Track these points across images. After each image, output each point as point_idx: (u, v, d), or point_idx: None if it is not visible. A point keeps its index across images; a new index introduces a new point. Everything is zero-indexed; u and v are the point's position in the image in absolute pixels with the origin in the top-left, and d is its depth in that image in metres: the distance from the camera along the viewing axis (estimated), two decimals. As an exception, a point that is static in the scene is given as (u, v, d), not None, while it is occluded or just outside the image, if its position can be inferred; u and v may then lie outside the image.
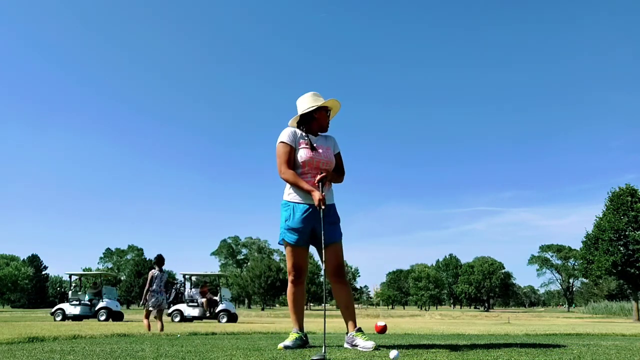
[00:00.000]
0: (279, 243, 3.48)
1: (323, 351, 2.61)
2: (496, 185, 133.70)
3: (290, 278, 3.46)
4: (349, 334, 3.32)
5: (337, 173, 3.55)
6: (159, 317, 7.62)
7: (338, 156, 3.59)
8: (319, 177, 3.31)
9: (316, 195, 3.21)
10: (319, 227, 3.26)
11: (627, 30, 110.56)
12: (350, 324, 3.34)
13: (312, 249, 3.53)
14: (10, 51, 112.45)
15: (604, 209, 35.84)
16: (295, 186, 3.34)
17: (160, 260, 7.57)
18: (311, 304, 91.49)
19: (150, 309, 7.50)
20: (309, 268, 3.71)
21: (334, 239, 3.34)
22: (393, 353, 2.55)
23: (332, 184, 3.54)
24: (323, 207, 3.18)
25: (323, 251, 3.28)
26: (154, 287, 7.42)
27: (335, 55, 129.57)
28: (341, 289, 3.36)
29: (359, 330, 3.28)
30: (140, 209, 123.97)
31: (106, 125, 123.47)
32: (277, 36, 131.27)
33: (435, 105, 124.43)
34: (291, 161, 3.37)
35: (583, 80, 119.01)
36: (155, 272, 7.55)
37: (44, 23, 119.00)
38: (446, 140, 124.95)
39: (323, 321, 2.96)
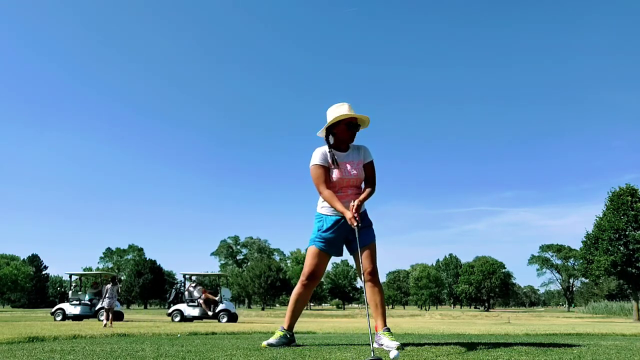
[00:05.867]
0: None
1: (372, 353, 2.58)
2: (497, 185, 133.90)
3: (302, 279, 3.59)
4: (377, 333, 3.38)
5: (367, 184, 3.58)
6: (112, 313, 11.87)
7: (367, 166, 3.59)
8: (354, 208, 3.33)
9: (347, 215, 3.33)
10: (352, 235, 3.45)
11: (628, 29, 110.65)
12: (378, 323, 3.40)
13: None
14: (12, 51, 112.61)
15: (604, 209, 35.88)
16: (331, 206, 3.48)
17: (114, 279, 12.61)
18: (311, 304, 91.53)
19: (107, 307, 11.85)
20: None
21: (367, 241, 3.49)
22: (393, 353, 2.54)
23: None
24: (357, 224, 3.27)
25: (359, 254, 3.41)
26: (108, 295, 12.01)
27: (335, 53, 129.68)
28: (372, 288, 3.45)
29: (387, 330, 3.34)
30: (140, 209, 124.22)
31: (106, 125, 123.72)
32: (282, 37, 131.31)
33: (436, 105, 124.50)
34: (328, 181, 3.54)
35: (584, 79, 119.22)
36: (109, 286, 12.30)
37: (43, 22, 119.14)
38: (447, 139, 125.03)
39: (367, 321, 3.00)
